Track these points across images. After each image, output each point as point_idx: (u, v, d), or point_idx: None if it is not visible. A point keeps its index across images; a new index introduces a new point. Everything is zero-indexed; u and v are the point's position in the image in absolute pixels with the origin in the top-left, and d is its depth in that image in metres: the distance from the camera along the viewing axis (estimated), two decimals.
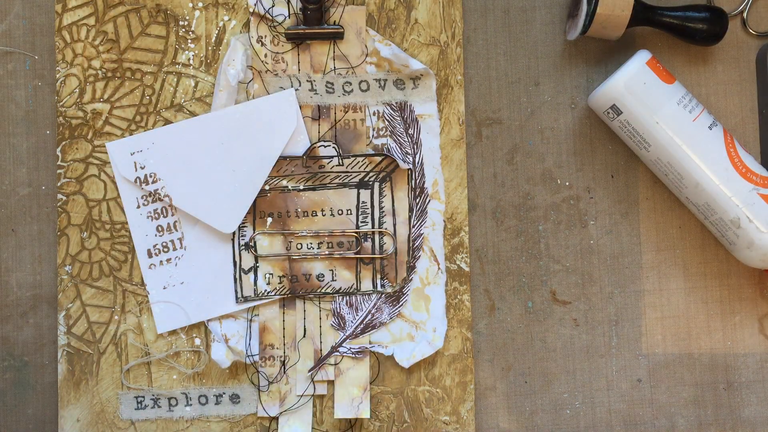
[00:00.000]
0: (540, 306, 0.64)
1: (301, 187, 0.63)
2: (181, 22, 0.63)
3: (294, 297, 0.63)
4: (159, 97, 0.63)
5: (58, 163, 0.63)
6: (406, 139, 0.63)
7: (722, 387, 0.64)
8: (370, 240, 0.63)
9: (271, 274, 0.63)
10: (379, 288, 0.63)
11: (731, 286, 0.64)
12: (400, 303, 0.63)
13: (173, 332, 0.63)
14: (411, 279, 0.63)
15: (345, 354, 0.63)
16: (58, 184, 0.63)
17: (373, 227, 0.63)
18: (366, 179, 0.63)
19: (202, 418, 0.63)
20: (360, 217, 0.63)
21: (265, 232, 0.63)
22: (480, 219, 0.64)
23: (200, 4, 0.63)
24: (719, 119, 0.64)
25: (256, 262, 0.63)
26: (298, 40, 0.63)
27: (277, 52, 0.63)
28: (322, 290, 0.63)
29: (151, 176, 0.62)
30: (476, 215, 0.64)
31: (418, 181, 0.63)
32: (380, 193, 0.63)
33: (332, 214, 0.63)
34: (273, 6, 0.63)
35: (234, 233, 0.63)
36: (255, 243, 0.63)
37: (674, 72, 0.64)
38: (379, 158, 0.63)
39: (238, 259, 0.63)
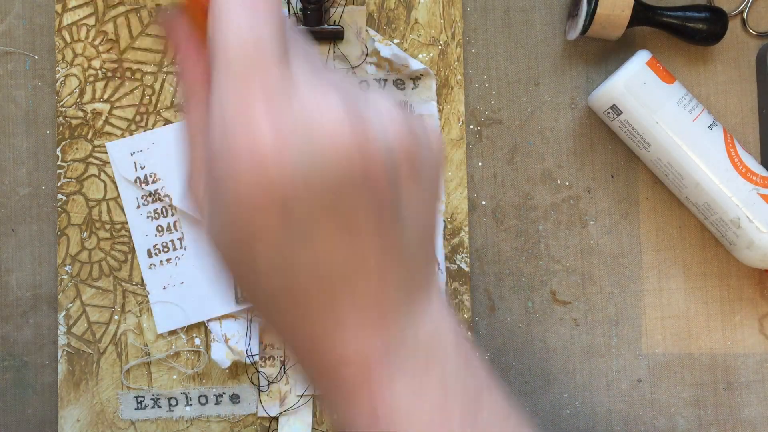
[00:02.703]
0: (540, 306, 0.64)
1: None
2: None
3: None
4: (159, 97, 0.63)
5: (58, 163, 0.63)
6: None
7: (722, 387, 0.64)
8: None
9: None
10: None
11: (731, 286, 0.64)
12: None
13: (173, 332, 0.63)
14: None
15: None
16: (58, 184, 0.63)
17: None
18: None
19: (202, 418, 0.63)
20: None
21: None
22: (480, 219, 0.64)
23: None
24: (719, 119, 0.64)
25: None
26: None
27: None
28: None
29: (151, 176, 0.62)
30: (476, 215, 0.64)
31: None
32: None
33: None
34: None
35: None
36: None
37: (674, 72, 0.64)
38: None
39: None
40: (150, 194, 0.62)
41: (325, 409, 0.36)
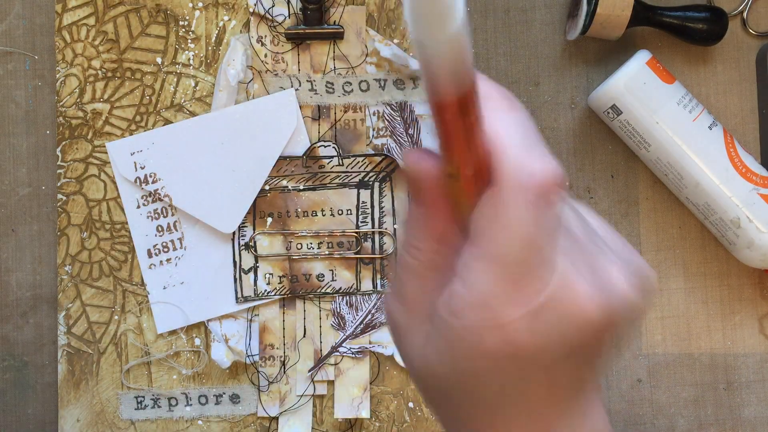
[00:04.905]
0: None
1: (301, 187, 0.63)
2: (181, 22, 0.63)
3: (294, 297, 0.63)
4: (159, 97, 0.63)
5: (58, 163, 0.63)
6: (406, 139, 0.63)
7: (722, 387, 0.64)
8: (370, 240, 0.63)
9: (271, 274, 0.63)
10: (379, 288, 0.63)
11: (731, 286, 0.64)
12: None
13: (173, 332, 0.63)
14: None
15: (345, 354, 0.63)
16: (58, 184, 0.63)
17: (373, 227, 0.63)
18: (366, 179, 0.63)
19: (202, 418, 0.63)
20: (360, 217, 0.63)
21: (265, 232, 0.63)
22: None
23: (200, 4, 0.63)
24: (719, 119, 0.64)
25: (256, 262, 0.63)
26: (298, 40, 0.63)
27: (277, 52, 0.63)
28: (322, 290, 0.63)
29: (151, 176, 0.62)
30: None
31: None
32: (380, 193, 0.63)
33: (332, 214, 0.63)
34: (273, 6, 0.63)
35: (234, 233, 0.63)
36: (255, 243, 0.63)
37: (674, 72, 0.64)
38: (379, 158, 0.63)
39: (238, 259, 0.63)
40: (150, 194, 0.62)
41: None
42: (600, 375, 0.36)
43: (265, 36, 0.63)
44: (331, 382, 0.63)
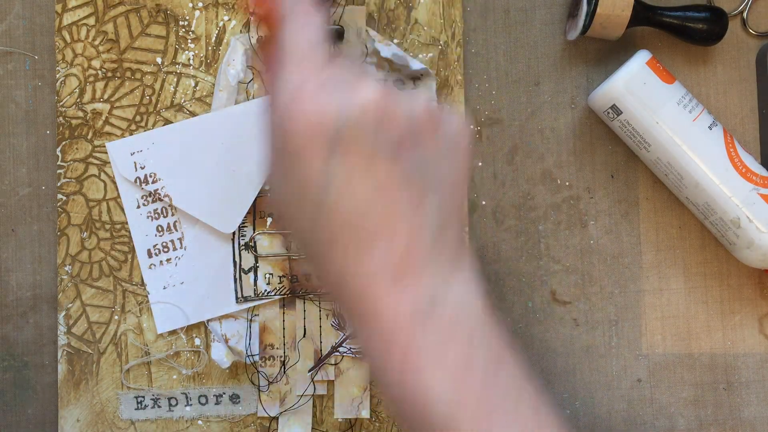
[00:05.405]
0: (540, 306, 0.64)
1: None
2: (181, 22, 0.63)
3: (294, 297, 0.63)
4: (159, 97, 0.63)
5: (58, 163, 0.63)
6: None
7: (722, 387, 0.64)
8: None
9: (271, 274, 0.63)
10: None
11: (731, 286, 0.64)
12: None
13: (173, 332, 0.63)
14: None
15: (345, 354, 0.63)
16: (58, 184, 0.63)
17: None
18: None
19: (202, 418, 0.63)
20: None
21: (265, 232, 0.63)
22: (480, 219, 0.64)
23: (200, 4, 0.63)
24: (719, 119, 0.64)
25: (256, 262, 0.63)
26: None
27: None
28: (323, 290, 0.63)
29: (151, 176, 0.62)
30: (476, 215, 0.64)
31: None
32: None
33: None
34: None
35: (234, 233, 0.63)
36: (255, 243, 0.63)
37: (674, 72, 0.64)
38: None
39: (238, 259, 0.63)
40: (150, 194, 0.62)
41: (363, 354, 0.44)
42: (416, 176, 0.42)
43: (266, 36, 0.63)
44: (331, 382, 0.63)
